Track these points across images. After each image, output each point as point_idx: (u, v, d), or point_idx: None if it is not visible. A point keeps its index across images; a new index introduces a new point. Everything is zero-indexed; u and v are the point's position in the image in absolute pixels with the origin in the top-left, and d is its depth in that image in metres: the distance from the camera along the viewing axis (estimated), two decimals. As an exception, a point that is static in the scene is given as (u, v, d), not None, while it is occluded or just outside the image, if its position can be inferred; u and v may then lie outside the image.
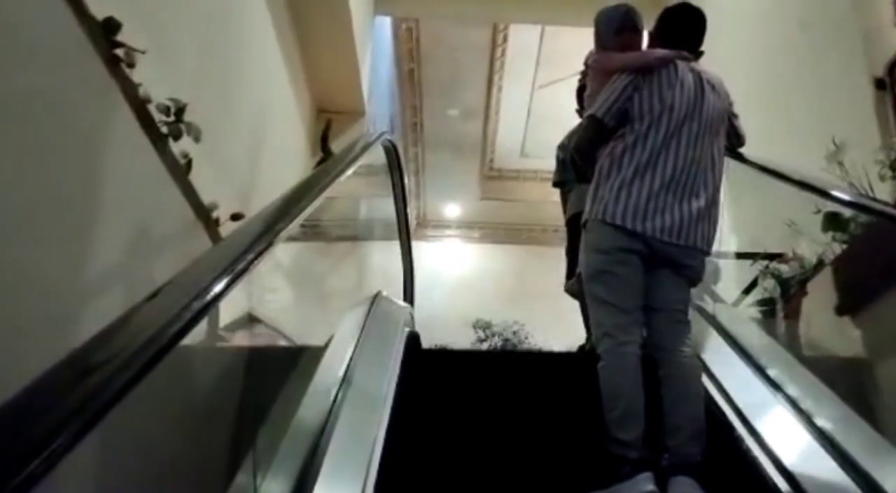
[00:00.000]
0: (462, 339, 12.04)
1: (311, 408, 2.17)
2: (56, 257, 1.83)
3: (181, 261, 2.14)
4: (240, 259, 1.28)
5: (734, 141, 2.92)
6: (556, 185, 4.46)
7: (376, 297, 3.26)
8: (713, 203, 2.56)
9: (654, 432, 2.29)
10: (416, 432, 2.43)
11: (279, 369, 2.97)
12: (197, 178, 3.18)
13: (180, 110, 2.39)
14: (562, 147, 4.42)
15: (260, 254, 1.39)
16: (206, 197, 3.25)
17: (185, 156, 2.77)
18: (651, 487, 2.15)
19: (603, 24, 2.93)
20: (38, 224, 1.75)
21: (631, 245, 2.46)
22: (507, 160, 12.17)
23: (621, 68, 2.66)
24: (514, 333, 11.90)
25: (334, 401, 2.20)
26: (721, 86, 2.74)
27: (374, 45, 7.67)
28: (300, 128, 6.08)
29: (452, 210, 13.17)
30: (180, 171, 2.49)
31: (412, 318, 3.62)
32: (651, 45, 2.86)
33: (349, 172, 2.69)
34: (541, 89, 10.51)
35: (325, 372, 2.49)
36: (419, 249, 13.50)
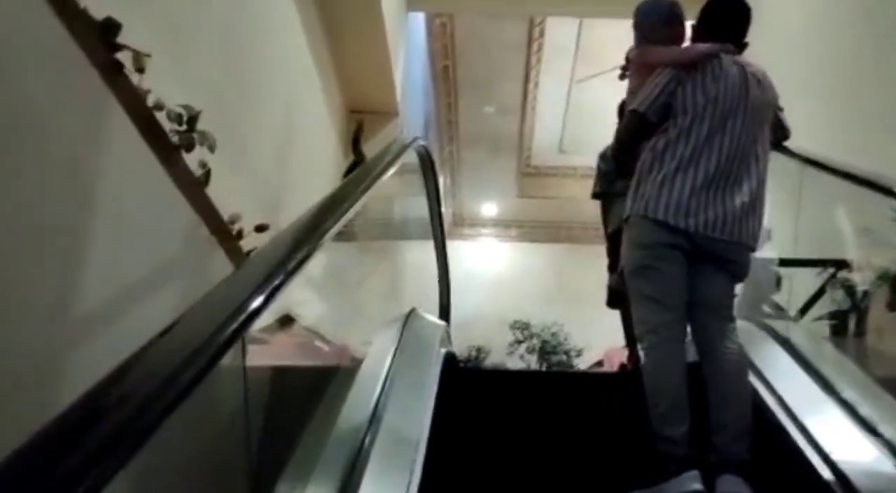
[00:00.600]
0: (499, 340, 11.80)
1: (336, 451, 1.93)
2: (41, 293, 1.62)
3: (192, 282, 1.91)
4: (266, 283, 1.24)
5: (779, 134, 2.85)
6: (595, 196, 4.41)
7: (409, 316, 3.02)
8: (758, 198, 2.51)
9: (701, 430, 2.25)
10: (454, 480, 2.19)
11: (305, 392, 2.77)
12: (217, 189, 2.96)
13: (193, 119, 2.16)
14: (602, 157, 4.36)
15: (287, 279, 1.30)
16: (227, 208, 3.03)
17: (204, 165, 2.55)
18: (698, 485, 2.12)
19: (647, 17, 2.89)
20: (15, 261, 1.53)
21: (674, 241, 2.42)
22: (544, 157, 11.87)
23: (664, 63, 2.62)
24: (553, 334, 11.61)
25: (362, 444, 1.96)
26: (766, 79, 2.67)
27: (408, 41, 7.42)
28: (331, 130, 5.85)
29: (489, 209, 12.90)
30: (194, 184, 2.26)
31: (448, 336, 3.37)
32: (694, 38, 2.79)
33: (381, 180, 2.48)
34: (579, 84, 10.21)
35: (353, 409, 2.26)
36: (455, 248, 13.25)
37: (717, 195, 2.42)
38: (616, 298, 4.24)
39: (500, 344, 11.76)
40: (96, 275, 1.74)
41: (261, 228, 3.06)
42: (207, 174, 2.49)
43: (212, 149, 2.34)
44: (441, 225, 3.94)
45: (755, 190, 2.49)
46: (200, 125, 2.70)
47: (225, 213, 2.94)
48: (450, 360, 3.01)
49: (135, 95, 1.84)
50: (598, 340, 8.93)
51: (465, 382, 2.89)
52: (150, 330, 0.93)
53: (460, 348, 11.99)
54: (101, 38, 1.75)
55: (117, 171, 1.74)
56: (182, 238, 2.16)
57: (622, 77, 3.18)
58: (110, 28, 1.77)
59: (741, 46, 2.71)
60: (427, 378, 2.59)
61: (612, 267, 4.34)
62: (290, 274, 1.33)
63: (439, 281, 4.39)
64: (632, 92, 2.82)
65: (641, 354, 2.43)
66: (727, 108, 2.50)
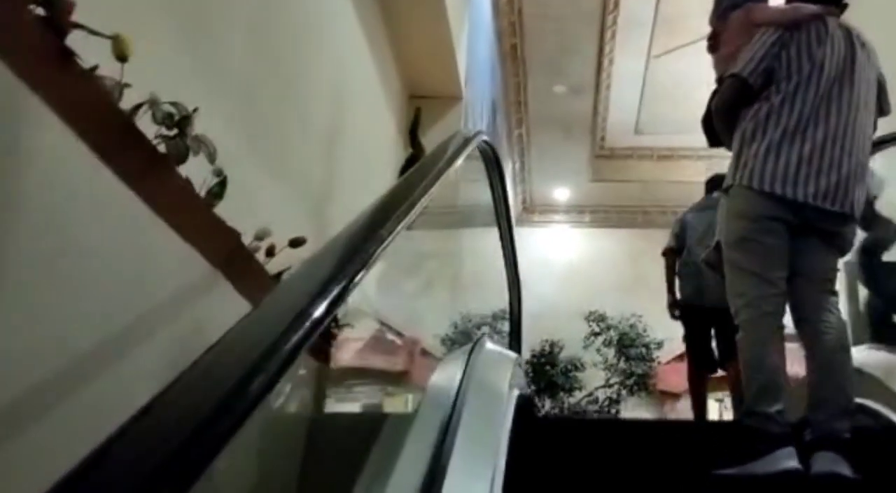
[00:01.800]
0: (574, 332, 11.23)
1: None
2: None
3: (186, 333, 1.45)
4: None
5: (882, 107, 2.62)
6: (665, 254, 4.63)
7: (474, 348, 2.51)
8: (865, 168, 2.41)
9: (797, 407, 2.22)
10: None
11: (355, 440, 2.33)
12: (246, 200, 2.50)
13: (184, 120, 1.67)
14: (678, 222, 4.59)
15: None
16: (260, 220, 2.57)
17: (219, 173, 2.07)
18: (794, 463, 2.07)
19: None
20: None
21: (779, 213, 2.35)
22: (619, 138, 11.20)
23: (773, 21, 2.50)
24: (632, 326, 10.98)
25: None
26: (870, 44, 2.53)
27: (472, 20, 6.86)
28: (389, 118, 5.35)
29: (561, 193, 12.28)
30: (191, 205, 1.78)
31: (521, 369, 2.85)
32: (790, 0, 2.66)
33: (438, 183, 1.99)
34: (657, 59, 9.51)
35: (401, 479, 1.79)
36: (525, 235, 12.73)
37: (826, 165, 2.32)
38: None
39: (576, 337, 11.20)
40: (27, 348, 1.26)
41: (296, 243, 2.58)
42: (222, 186, 2.01)
43: (211, 158, 1.85)
44: (510, 230, 3.41)
45: (862, 160, 2.40)
46: (218, 125, 2.23)
47: (252, 228, 2.48)
48: (524, 406, 2.48)
49: (93, 92, 1.36)
50: (679, 331, 8.37)
51: (544, 436, 2.35)
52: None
53: (532, 342, 11.50)
54: (43, 20, 1.28)
55: (49, 201, 1.27)
56: (169, 278, 1.67)
57: (711, 48, 2.92)
58: (55, 3, 1.28)
59: (842, 8, 2.57)
60: (495, 437, 2.08)
61: (696, 362, 4.52)
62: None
63: (509, 292, 3.87)
64: (723, 59, 2.67)
65: (739, 329, 2.36)
66: (834, 74, 2.40)
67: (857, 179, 2.37)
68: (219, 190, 2.00)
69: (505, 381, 2.48)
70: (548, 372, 10.81)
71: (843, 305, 3.87)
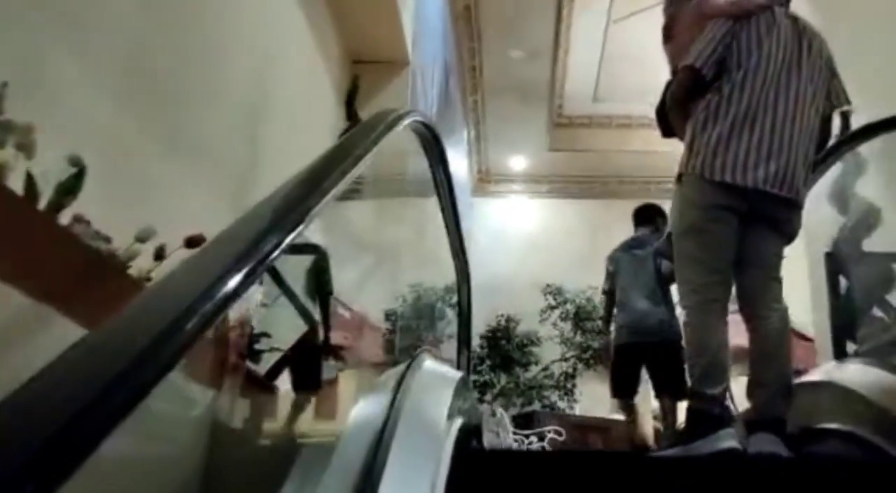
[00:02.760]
0: (530, 306, 10.94)
1: None
2: None
3: None
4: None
5: (834, 100, 2.61)
6: (605, 293, 4.63)
7: (409, 368, 2.12)
8: (807, 158, 2.46)
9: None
10: None
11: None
12: (123, 191, 2.06)
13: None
14: (611, 259, 4.55)
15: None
16: (156, 213, 2.13)
17: (76, 163, 1.64)
18: (733, 442, 2.16)
19: None
20: None
21: (729, 202, 2.39)
22: (577, 106, 10.82)
23: (724, 13, 2.55)
24: (588, 299, 10.71)
25: None
26: (819, 34, 2.58)
27: (421, -23, 6.37)
28: (327, 85, 4.88)
29: (518, 162, 11.90)
30: (15, 220, 1.34)
31: (467, 390, 2.48)
32: None
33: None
34: (616, 24, 9.12)
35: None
36: (481, 206, 12.35)
37: (774, 151, 2.37)
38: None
39: (532, 310, 10.92)
40: None
41: (194, 242, 2.14)
42: (78, 179, 1.57)
43: (25, 150, 1.39)
44: (456, 217, 3.00)
45: (808, 149, 2.45)
46: (103, 104, 1.79)
47: (147, 224, 2.04)
48: (468, 438, 2.10)
49: None
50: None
51: (491, 474, 1.96)
52: None
53: (488, 316, 11.19)
54: None
55: None
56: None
57: (666, 39, 2.95)
58: None
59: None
60: (425, 482, 1.70)
61: (617, 391, 4.53)
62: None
63: (458, 283, 3.48)
64: (677, 50, 2.70)
65: (683, 313, 2.49)
66: (781, 61, 2.45)
67: (800, 167, 2.41)
68: (73, 184, 1.56)
69: (444, 408, 2.09)
70: (503, 347, 10.53)
71: (823, 299, 3.57)
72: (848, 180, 3.54)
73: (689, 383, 2.35)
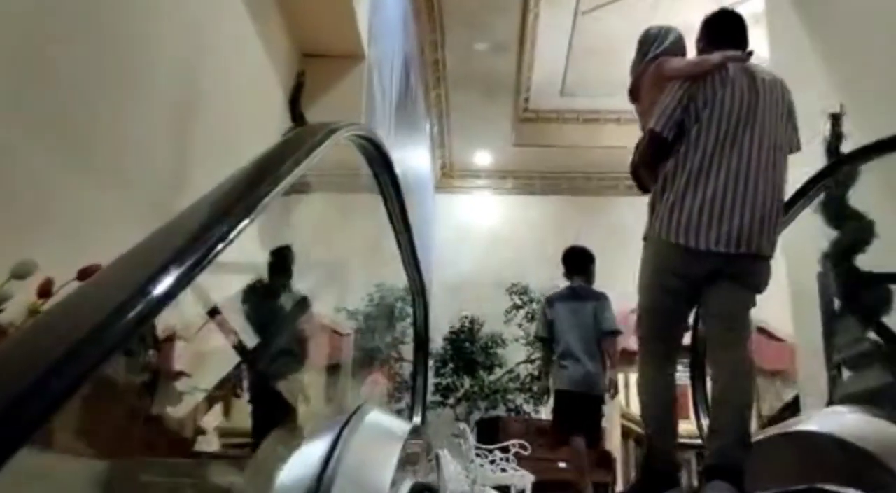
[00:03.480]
0: (495, 305, 10.63)
1: None
2: None
3: None
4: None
5: (792, 147, 2.64)
6: (540, 339, 4.68)
7: (350, 421, 1.77)
8: (775, 207, 2.48)
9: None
10: None
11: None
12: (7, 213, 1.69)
13: None
14: (549, 306, 4.62)
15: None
16: (41, 239, 1.76)
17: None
18: None
19: (659, 36, 2.97)
20: None
21: (686, 268, 2.45)
22: (544, 100, 10.50)
23: (681, 74, 2.64)
24: (555, 299, 10.44)
25: None
26: (781, 85, 2.63)
27: (378, -35, 5.97)
28: (273, 82, 4.47)
29: (482, 158, 11.55)
30: None
31: (420, 441, 2.13)
32: (700, 53, 2.78)
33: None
34: (585, 16, 8.81)
35: None
36: (445, 202, 11.99)
37: (728, 207, 2.41)
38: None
39: (497, 310, 10.62)
40: None
41: (88, 274, 1.76)
42: None
43: None
44: (409, 236, 2.64)
45: (772, 199, 2.46)
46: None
47: (38, 252, 1.66)
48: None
49: None
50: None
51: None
52: None
53: (452, 316, 10.87)
54: None
55: None
56: None
57: (633, 100, 3.05)
58: None
59: (747, 55, 2.69)
60: None
61: (557, 440, 4.70)
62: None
63: (413, 305, 3.13)
64: (643, 112, 2.84)
65: (638, 363, 2.58)
66: (736, 116, 2.50)
67: (766, 218, 2.42)
68: None
69: (389, 470, 1.75)
70: (466, 349, 10.20)
71: (816, 320, 3.29)
72: (839, 190, 3.27)
73: (645, 433, 2.54)
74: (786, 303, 11.08)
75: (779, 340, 11.19)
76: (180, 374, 2.49)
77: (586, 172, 11.64)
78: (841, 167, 2.81)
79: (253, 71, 4.12)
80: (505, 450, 6.99)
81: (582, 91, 10.17)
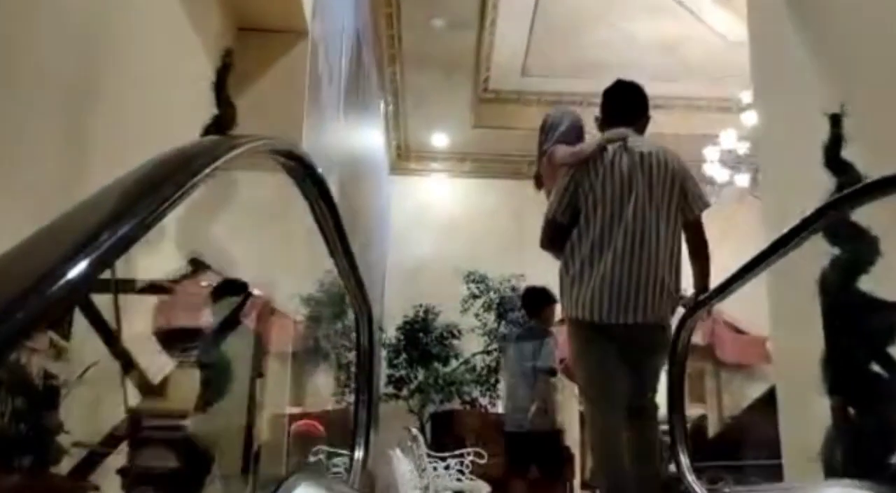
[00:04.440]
0: (451, 294, 10.23)
1: None
2: None
3: None
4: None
5: (692, 209, 2.84)
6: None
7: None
8: (667, 276, 2.71)
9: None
10: None
11: None
12: None
13: None
14: (503, 342, 5.05)
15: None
16: None
17: None
18: None
19: (557, 121, 3.25)
20: None
21: (594, 334, 2.74)
22: (505, 80, 10.04)
23: (565, 163, 2.89)
24: (513, 289, 10.04)
25: None
26: (665, 155, 2.82)
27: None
28: (201, 61, 3.93)
29: (439, 139, 11.08)
30: None
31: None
32: (600, 126, 3.02)
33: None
34: (549, -9, 8.31)
35: None
36: (400, 184, 11.49)
37: (616, 283, 2.67)
38: None
39: (453, 297, 10.22)
40: None
41: None
42: None
43: None
44: (352, 264, 2.18)
45: (663, 269, 2.70)
46: None
47: None
48: None
49: None
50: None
51: None
52: None
53: (405, 305, 10.43)
54: None
55: None
56: None
57: (537, 187, 3.28)
58: None
59: (642, 124, 2.98)
60: None
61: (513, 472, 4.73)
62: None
63: (356, 329, 2.68)
64: (548, 194, 3.03)
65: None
66: (619, 196, 2.73)
67: (653, 289, 2.67)
68: None
69: None
70: (421, 340, 9.79)
71: (795, 319, 2.94)
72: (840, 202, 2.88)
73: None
74: (750, 296, 10.89)
75: (742, 333, 11.01)
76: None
77: (547, 155, 11.24)
78: (826, 213, 2.39)
79: (175, 48, 3.59)
80: (461, 451, 6.59)
81: (544, 72, 9.72)
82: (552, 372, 4.58)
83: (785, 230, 2.35)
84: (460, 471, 6.39)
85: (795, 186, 3.76)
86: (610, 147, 2.81)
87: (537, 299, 4.62)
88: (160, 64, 3.38)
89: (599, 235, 2.70)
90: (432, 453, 7.14)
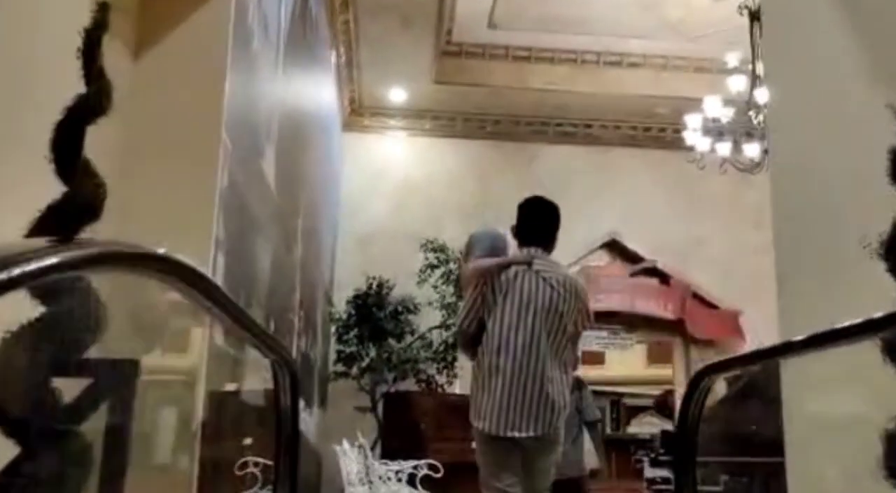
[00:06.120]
0: (407, 263, 9.51)
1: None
2: None
3: None
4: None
5: (583, 325, 3.37)
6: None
7: None
8: (555, 395, 3.10)
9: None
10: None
11: None
12: None
13: None
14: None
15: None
16: None
17: None
18: None
19: (476, 246, 3.52)
20: None
21: (494, 441, 3.15)
22: (469, 32, 9.19)
23: (470, 278, 3.35)
24: (475, 259, 9.34)
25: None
26: (566, 284, 3.24)
27: None
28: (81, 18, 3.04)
29: (397, 95, 10.17)
30: None
31: None
32: (514, 235, 3.45)
33: None
34: (521, -66, 7.44)
35: None
36: (353, 142, 10.57)
37: (508, 401, 3.07)
38: None
39: (409, 268, 9.46)
40: None
41: None
42: None
43: None
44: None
45: (552, 389, 3.10)
46: None
47: None
48: None
49: None
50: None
51: None
52: None
53: (355, 274, 9.66)
54: None
55: None
56: None
57: (460, 297, 3.99)
58: None
59: (550, 243, 3.36)
60: None
61: None
62: None
63: (276, 410, 1.94)
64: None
65: None
66: (515, 316, 3.12)
67: (542, 404, 3.08)
68: None
69: None
70: (374, 315, 9.04)
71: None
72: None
73: None
74: (720, 268, 10.33)
75: (713, 307, 10.47)
76: None
77: (514, 115, 10.44)
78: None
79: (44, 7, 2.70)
80: (414, 463, 5.92)
81: (513, 25, 8.87)
82: (595, 424, 4.84)
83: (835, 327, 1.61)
84: (412, 475, 5.72)
85: (811, 171, 3.09)
86: (514, 268, 3.20)
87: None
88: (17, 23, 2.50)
89: (497, 350, 3.10)
90: (382, 463, 6.48)
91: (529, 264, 3.20)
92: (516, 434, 3.08)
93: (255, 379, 4.80)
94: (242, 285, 4.23)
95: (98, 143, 3.00)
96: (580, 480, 4.73)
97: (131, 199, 3.20)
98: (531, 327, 3.07)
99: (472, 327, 3.19)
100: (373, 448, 8.94)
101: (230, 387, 4.21)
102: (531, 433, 3.09)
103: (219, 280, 3.70)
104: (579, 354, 3.29)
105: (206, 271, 1.21)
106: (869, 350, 1.80)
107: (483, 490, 3.21)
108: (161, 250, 1.06)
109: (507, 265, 3.19)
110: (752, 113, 7.09)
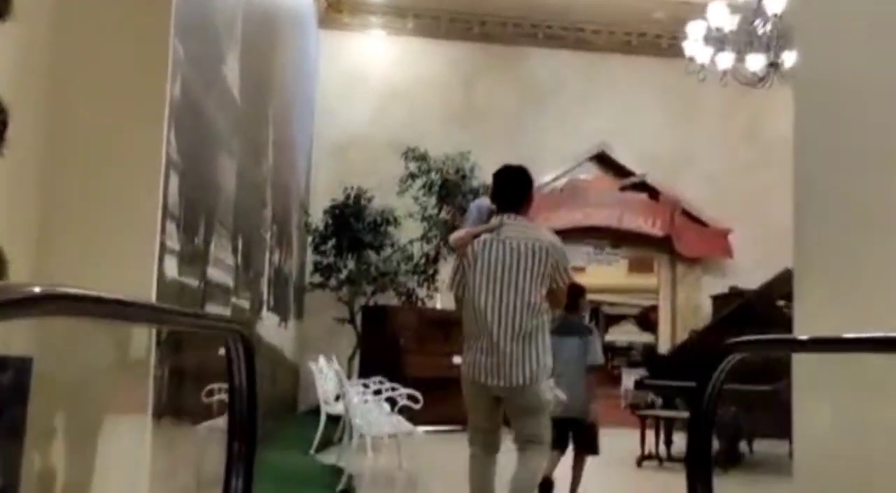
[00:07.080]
0: (387, 171, 9.08)
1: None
2: None
3: None
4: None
5: (558, 282, 3.43)
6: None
7: None
8: (529, 347, 3.32)
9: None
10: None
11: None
12: None
13: None
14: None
15: None
16: None
17: None
18: None
19: (474, 213, 3.83)
20: None
21: (479, 389, 3.39)
22: (456, -77, 8.46)
23: (454, 246, 3.70)
24: (458, 170, 8.91)
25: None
26: (536, 244, 3.38)
27: None
28: None
29: (378, -10, 9.50)
30: None
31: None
32: (492, 201, 3.68)
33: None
34: None
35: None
36: (331, 41, 9.90)
37: (486, 353, 3.32)
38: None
39: (390, 177, 9.05)
40: None
41: None
42: None
43: None
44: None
45: (524, 343, 3.32)
46: None
47: None
48: None
49: None
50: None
51: None
52: None
53: (333, 183, 9.23)
54: None
55: None
56: None
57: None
58: None
59: (522, 206, 3.49)
60: None
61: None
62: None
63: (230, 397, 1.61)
64: None
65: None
66: (485, 282, 3.34)
67: (515, 358, 3.30)
68: None
69: None
70: (352, 226, 8.68)
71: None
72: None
73: None
74: (711, 184, 9.99)
75: (702, 224, 10.15)
76: None
77: (501, 16, 9.83)
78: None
79: None
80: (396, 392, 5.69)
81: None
82: (601, 368, 4.99)
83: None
84: (390, 399, 5.50)
85: (838, 138, 2.72)
86: (483, 236, 3.39)
87: (571, 295, 4.61)
88: None
89: (471, 318, 3.36)
90: (361, 385, 6.25)
91: (496, 231, 3.37)
92: (488, 382, 3.32)
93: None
94: (202, 207, 3.84)
95: (23, 56, 2.53)
96: (583, 422, 4.74)
97: (66, 115, 2.77)
98: (498, 294, 3.28)
99: (461, 292, 3.43)
100: (350, 359, 8.78)
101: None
102: (500, 383, 3.31)
103: (172, 205, 3.31)
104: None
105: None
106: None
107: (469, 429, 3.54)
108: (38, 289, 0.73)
109: (478, 235, 3.39)
110: (758, 22, 6.59)
